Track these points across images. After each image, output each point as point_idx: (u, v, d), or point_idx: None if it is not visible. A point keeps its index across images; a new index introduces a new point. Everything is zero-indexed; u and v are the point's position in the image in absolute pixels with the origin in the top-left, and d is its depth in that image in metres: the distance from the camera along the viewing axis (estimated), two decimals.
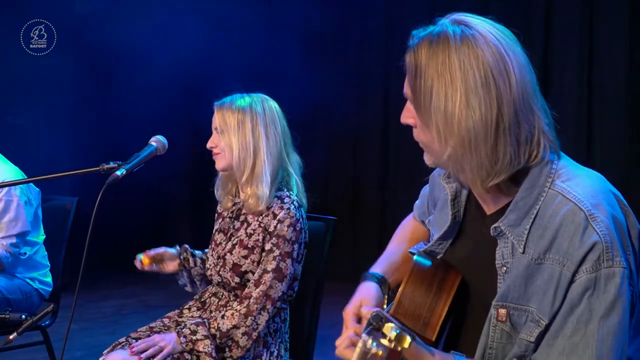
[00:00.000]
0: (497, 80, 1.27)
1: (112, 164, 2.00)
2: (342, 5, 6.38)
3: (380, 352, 1.11)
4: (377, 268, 1.68)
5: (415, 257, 1.55)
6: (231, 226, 2.36)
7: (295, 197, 2.28)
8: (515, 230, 1.35)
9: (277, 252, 2.19)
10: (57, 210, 3.31)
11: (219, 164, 2.33)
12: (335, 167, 6.63)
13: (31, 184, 3.14)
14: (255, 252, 2.24)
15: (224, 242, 2.34)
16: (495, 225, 1.37)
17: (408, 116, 1.39)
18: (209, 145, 2.34)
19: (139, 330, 2.29)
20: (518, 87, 1.29)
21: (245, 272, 2.24)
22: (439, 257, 1.55)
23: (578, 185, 1.32)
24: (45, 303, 3.22)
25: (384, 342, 1.13)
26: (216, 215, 2.47)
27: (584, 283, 1.27)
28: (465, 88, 1.27)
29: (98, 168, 2.02)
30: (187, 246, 2.50)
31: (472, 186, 1.40)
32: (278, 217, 2.20)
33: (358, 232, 6.54)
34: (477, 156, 1.29)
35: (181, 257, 2.46)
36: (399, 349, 1.13)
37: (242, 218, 2.32)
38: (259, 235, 2.24)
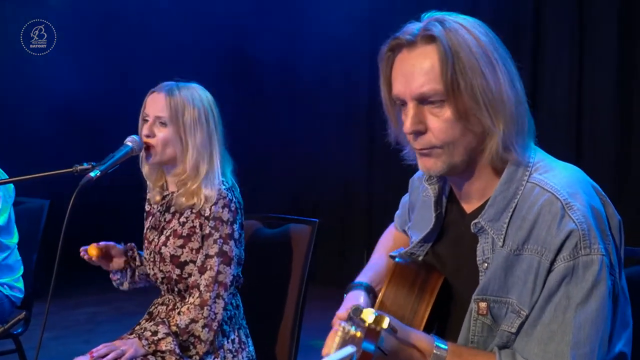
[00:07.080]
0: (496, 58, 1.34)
1: (85, 165, 1.97)
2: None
3: (358, 334, 1.13)
4: (363, 277, 1.67)
5: (396, 259, 1.56)
6: (162, 219, 2.27)
7: (224, 179, 2.19)
8: (495, 225, 1.37)
9: (217, 235, 2.12)
10: (29, 213, 3.23)
11: (154, 159, 2.18)
12: (322, 170, 6.59)
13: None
14: (193, 239, 2.16)
15: (157, 238, 2.25)
16: (476, 221, 1.39)
17: (417, 122, 1.35)
18: (145, 132, 2.16)
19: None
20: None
21: (185, 262, 2.17)
22: (419, 259, 1.55)
23: (555, 177, 1.34)
24: (17, 310, 3.13)
25: (363, 324, 1.15)
26: (145, 214, 2.37)
27: (562, 271, 1.28)
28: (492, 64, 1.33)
29: (71, 169, 1.98)
30: (133, 244, 2.41)
31: (484, 164, 1.38)
32: (211, 200, 2.12)
33: (345, 236, 6.51)
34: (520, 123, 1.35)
35: (128, 254, 2.38)
36: (378, 329, 1.14)
37: (172, 209, 2.23)
38: (194, 221, 2.16)
